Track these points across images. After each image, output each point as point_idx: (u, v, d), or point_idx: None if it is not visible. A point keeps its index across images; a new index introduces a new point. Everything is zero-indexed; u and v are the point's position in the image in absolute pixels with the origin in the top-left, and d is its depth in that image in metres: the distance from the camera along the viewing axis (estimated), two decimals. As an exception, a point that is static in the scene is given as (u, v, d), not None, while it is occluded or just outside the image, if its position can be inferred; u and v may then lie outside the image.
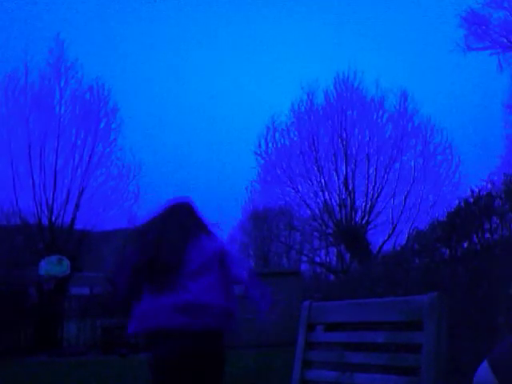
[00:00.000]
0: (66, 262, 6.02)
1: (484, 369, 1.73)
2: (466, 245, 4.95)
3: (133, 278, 3.13)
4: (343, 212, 22.32)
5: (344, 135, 22.43)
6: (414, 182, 22.26)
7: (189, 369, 3.03)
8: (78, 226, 21.12)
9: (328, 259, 28.23)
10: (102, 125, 21.68)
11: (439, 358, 2.41)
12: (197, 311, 3.00)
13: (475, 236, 4.75)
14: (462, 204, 5.10)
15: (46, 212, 20.58)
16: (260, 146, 23.42)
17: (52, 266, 5.97)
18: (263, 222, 32.72)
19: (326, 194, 22.49)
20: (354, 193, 22.42)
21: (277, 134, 23.39)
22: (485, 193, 4.74)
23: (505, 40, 19.45)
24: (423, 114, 22.85)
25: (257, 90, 61.60)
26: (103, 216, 21.46)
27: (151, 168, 52.84)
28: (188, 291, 3.02)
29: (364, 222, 22.30)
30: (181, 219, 3.28)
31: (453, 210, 5.34)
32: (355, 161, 22.45)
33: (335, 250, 25.82)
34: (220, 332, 3.14)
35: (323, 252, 28.17)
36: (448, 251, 5.29)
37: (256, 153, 23.43)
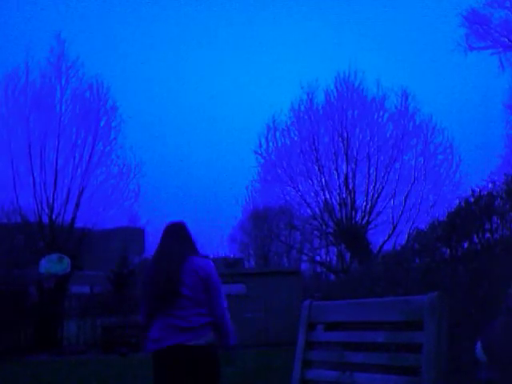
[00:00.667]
0: (67, 261, 6.03)
1: (478, 349, 1.80)
2: (466, 245, 4.95)
3: (148, 308, 3.56)
4: (343, 211, 22.30)
5: (344, 135, 22.40)
6: (414, 181, 22.24)
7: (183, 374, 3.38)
8: (79, 224, 21.11)
9: (328, 259, 28.23)
10: (102, 123, 21.66)
11: (439, 357, 2.41)
12: (189, 330, 3.36)
13: (475, 236, 4.74)
14: (463, 204, 5.10)
15: (46, 210, 20.57)
16: (260, 145, 23.41)
17: (52, 265, 5.98)
18: (263, 222, 32.70)
19: (327, 193, 22.48)
20: (355, 192, 22.40)
21: (277, 134, 23.37)
22: (485, 192, 4.74)
23: (506, 40, 19.44)
24: (424, 113, 22.81)
25: (257, 89, 61.67)
26: (103, 215, 21.45)
27: (151, 167, 52.93)
28: (182, 313, 3.38)
29: (364, 221, 22.27)
30: (174, 246, 3.60)
31: (453, 209, 5.34)
32: (356, 160, 22.42)
33: (335, 249, 25.80)
34: (211, 345, 3.43)
35: (323, 251, 28.18)
36: (448, 251, 5.28)
37: (256, 152, 23.42)
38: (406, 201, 22.08)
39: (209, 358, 3.41)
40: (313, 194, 22.69)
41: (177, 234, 3.65)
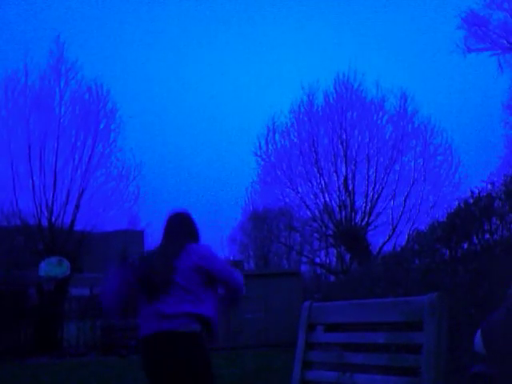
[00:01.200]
0: (66, 263, 6.05)
1: (477, 338, 1.83)
2: (466, 245, 4.95)
3: (123, 289, 3.49)
4: (343, 213, 22.31)
5: (344, 136, 22.41)
6: (413, 182, 22.25)
7: (170, 368, 3.30)
8: (78, 226, 21.09)
9: (328, 260, 28.25)
10: (101, 125, 21.66)
11: (439, 358, 2.42)
12: (177, 318, 3.30)
13: (475, 237, 4.75)
14: (462, 205, 5.10)
15: (45, 213, 20.56)
16: (260, 146, 23.43)
17: (52, 267, 6.01)
18: (263, 223, 32.72)
19: (326, 195, 22.48)
20: (354, 194, 22.40)
21: (277, 135, 23.40)
22: (485, 194, 4.74)
23: (504, 41, 19.45)
24: (423, 114, 22.84)
25: (257, 90, 61.72)
26: (103, 217, 21.44)
27: (151, 168, 52.96)
28: (170, 301, 3.32)
29: (364, 223, 22.27)
30: (172, 234, 3.57)
31: (453, 210, 5.34)
32: (355, 162, 22.43)
33: (335, 251, 25.81)
34: (195, 335, 3.32)
35: (323, 253, 28.20)
36: (448, 252, 5.29)
37: (256, 154, 23.45)
38: (405, 202, 22.10)
39: (195, 348, 3.28)
40: (312, 196, 22.70)
41: (178, 224, 3.60)
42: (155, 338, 3.30)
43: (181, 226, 3.59)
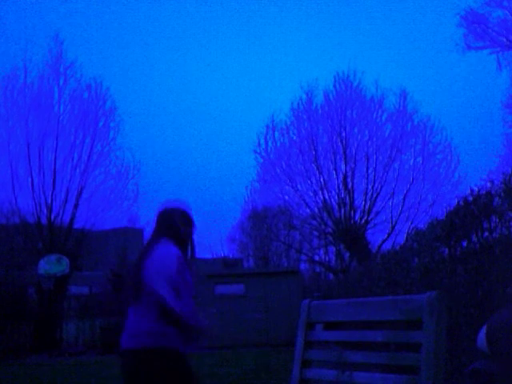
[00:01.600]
0: (65, 261, 6.05)
1: (482, 333, 1.83)
2: (465, 244, 4.95)
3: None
4: (342, 211, 22.31)
5: (343, 134, 22.41)
6: (413, 181, 22.26)
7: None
8: (77, 225, 21.08)
9: (327, 258, 28.26)
10: (100, 124, 21.63)
11: (438, 356, 2.41)
12: (133, 334, 3.07)
13: (474, 235, 4.75)
14: (461, 203, 5.10)
15: (45, 211, 20.54)
16: (259, 145, 23.43)
17: (51, 266, 6.02)
18: (263, 222, 32.72)
19: (326, 193, 22.49)
20: (353, 192, 22.41)
21: (276, 133, 23.40)
22: (484, 192, 4.74)
23: (504, 39, 19.44)
24: (422, 113, 22.89)
25: (257, 88, 61.71)
26: (102, 215, 21.40)
27: (150, 167, 52.95)
28: (129, 314, 3.13)
29: (363, 221, 22.28)
30: (151, 237, 3.29)
31: (452, 209, 5.34)
32: (354, 160, 22.43)
33: (334, 249, 25.82)
34: (151, 351, 3.00)
35: (322, 251, 28.22)
36: (447, 250, 5.29)
37: (255, 152, 23.46)
38: (404, 200, 22.11)
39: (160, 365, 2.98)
40: (311, 194, 22.71)
41: (158, 223, 3.31)
42: (123, 356, 3.07)
43: (157, 226, 3.29)
